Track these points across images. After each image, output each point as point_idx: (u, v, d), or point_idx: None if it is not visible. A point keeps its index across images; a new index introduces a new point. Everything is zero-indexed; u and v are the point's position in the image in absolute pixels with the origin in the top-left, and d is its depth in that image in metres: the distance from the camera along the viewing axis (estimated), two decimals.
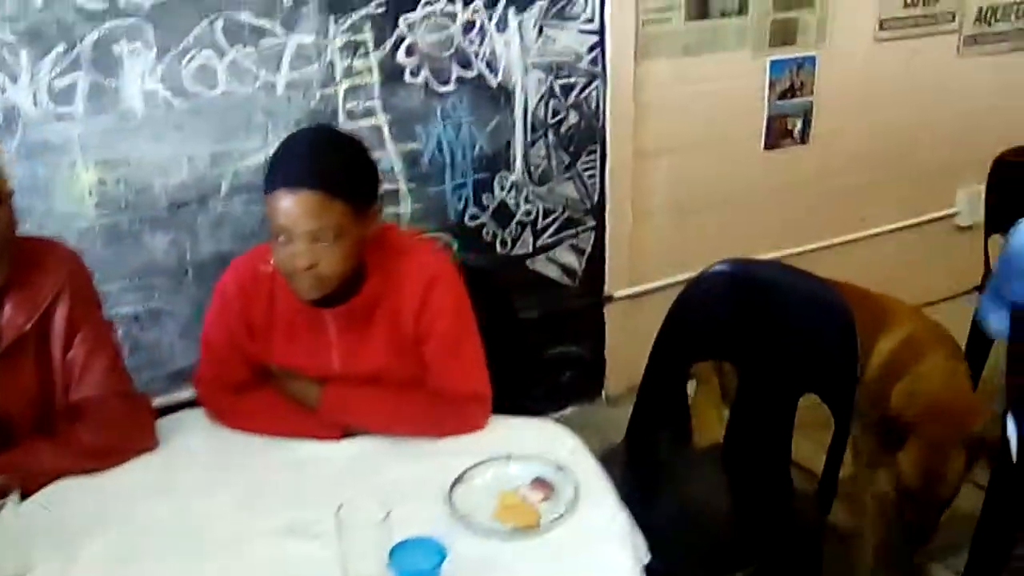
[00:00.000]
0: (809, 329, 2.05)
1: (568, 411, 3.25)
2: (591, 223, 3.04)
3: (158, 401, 2.23)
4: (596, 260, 3.10)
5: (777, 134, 3.35)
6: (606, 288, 3.15)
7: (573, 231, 3.02)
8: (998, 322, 2.09)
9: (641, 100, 3.00)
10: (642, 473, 2.27)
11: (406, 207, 2.71)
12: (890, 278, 3.62)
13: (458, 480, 1.57)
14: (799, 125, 3.39)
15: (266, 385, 1.74)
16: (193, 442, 1.74)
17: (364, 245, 1.60)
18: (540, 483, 1.57)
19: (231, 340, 1.71)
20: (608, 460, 2.23)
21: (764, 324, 2.13)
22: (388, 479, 1.61)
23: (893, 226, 3.66)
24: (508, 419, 1.76)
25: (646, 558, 1.55)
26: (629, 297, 3.17)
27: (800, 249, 3.49)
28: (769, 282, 2.13)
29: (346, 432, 1.70)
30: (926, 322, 2.50)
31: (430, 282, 1.65)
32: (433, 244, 1.77)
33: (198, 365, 1.80)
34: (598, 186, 3.01)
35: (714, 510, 2.17)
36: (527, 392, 2.31)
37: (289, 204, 1.49)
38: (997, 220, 2.80)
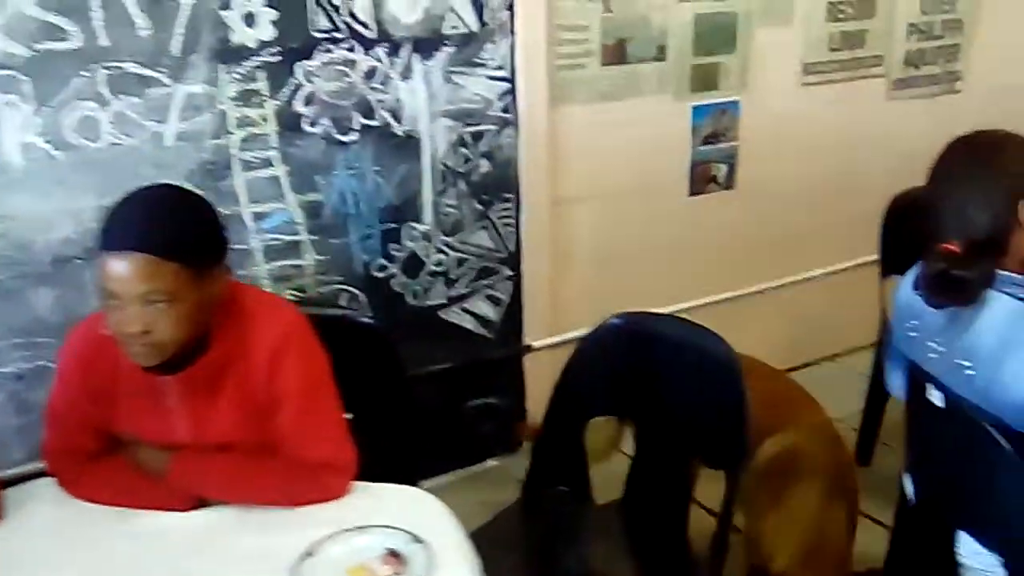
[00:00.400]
0: (699, 387, 2.00)
1: (488, 464, 3.19)
2: (507, 272, 3.00)
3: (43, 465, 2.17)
4: (514, 310, 3.05)
5: (702, 180, 3.34)
6: (525, 338, 3.10)
7: (488, 281, 2.98)
8: (895, 379, 2.05)
9: (558, 146, 2.98)
10: (540, 531, 2.21)
11: (309, 259, 2.65)
12: (820, 322, 3.63)
13: (307, 553, 1.51)
14: (724, 171, 3.37)
15: (116, 454, 1.67)
16: (41, 514, 1.67)
17: (208, 308, 1.54)
18: (392, 555, 1.51)
19: (74, 408, 1.64)
20: (504, 518, 2.20)
21: (657, 381, 2.09)
22: (236, 552, 1.56)
23: (823, 271, 3.63)
24: (371, 486, 1.70)
25: None
26: (550, 347, 3.12)
27: (729, 295, 3.47)
28: (662, 337, 2.09)
29: (199, 502, 1.63)
30: (820, 435, 2.35)
31: (279, 346, 1.59)
32: (286, 304, 1.71)
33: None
34: (514, 235, 2.96)
35: (613, 571, 2.10)
36: (418, 453, 2.26)
37: (116, 267, 1.43)
38: (893, 262, 2.82)
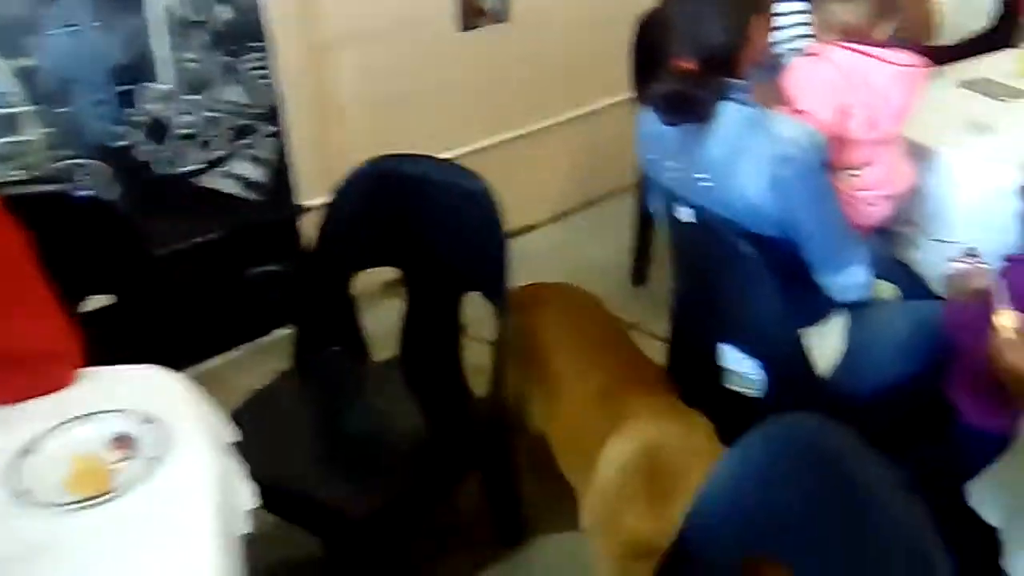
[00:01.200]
0: (459, 224, 1.99)
1: (278, 333, 3.12)
2: (270, 129, 2.86)
3: None
4: (282, 169, 2.93)
5: (471, 13, 3.24)
6: (298, 198, 2.99)
7: (249, 140, 2.83)
8: (653, 202, 2.09)
9: None
10: (317, 394, 2.19)
11: (34, 133, 2.44)
12: (610, 155, 3.65)
13: (24, 451, 1.43)
14: (496, 3, 3.28)
15: None
16: None
17: None
18: (121, 440, 1.44)
19: None
20: (278, 385, 2.17)
21: (417, 223, 2.06)
22: None
23: (609, 101, 3.63)
24: (100, 371, 1.61)
25: (251, 504, 1.48)
26: (327, 205, 3.02)
27: (514, 134, 3.46)
28: (414, 178, 2.05)
29: None
30: (677, 419, 1.85)
31: None
32: None
33: None
34: (271, 87, 2.81)
35: (394, 426, 2.11)
36: (177, 332, 2.19)
37: None
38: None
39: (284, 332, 3.11)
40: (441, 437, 2.00)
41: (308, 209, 3.02)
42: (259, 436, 1.82)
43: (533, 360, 2.07)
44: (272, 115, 2.85)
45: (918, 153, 2.23)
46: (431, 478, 1.94)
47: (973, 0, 2.68)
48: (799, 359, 1.91)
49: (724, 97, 1.73)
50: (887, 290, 2.13)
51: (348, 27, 2.96)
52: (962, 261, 1.76)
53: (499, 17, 3.29)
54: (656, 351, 2.31)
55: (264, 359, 3.01)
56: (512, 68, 3.37)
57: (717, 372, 2.01)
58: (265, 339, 3.12)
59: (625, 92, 3.56)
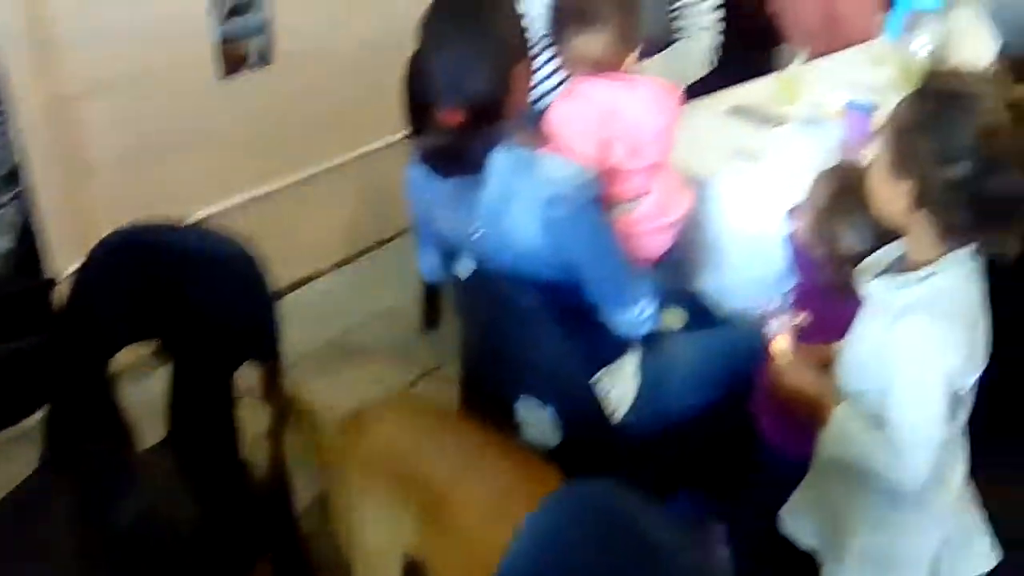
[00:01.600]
0: (218, 291, 1.87)
1: (31, 421, 2.84)
2: (10, 191, 2.61)
3: None
4: (30, 234, 2.68)
5: (232, 60, 3.08)
6: (49, 267, 2.75)
7: None
8: (424, 259, 2.03)
9: (48, 32, 2.58)
10: (75, 492, 1.98)
11: None
12: (389, 197, 3.55)
13: None
14: (260, 45, 3.14)
15: None
16: None
17: None
18: None
19: None
20: (30, 487, 1.95)
21: (174, 294, 1.91)
22: None
23: (385, 141, 3.54)
24: None
25: None
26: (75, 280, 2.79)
27: (285, 182, 3.32)
28: (165, 247, 1.90)
29: None
30: None
31: None
32: None
33: None
34: (9, 146, 2.57)
35: (167, 515, 1.93)
36: None
37: None
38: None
39: (39, 417, 2.86)
40: (220, 525, 1.85)
41: (58, 282, 2.77)
42: (7, 551, 1.63)
43: (399, 481, 1.77)
44: (13, 176, 2.61)
45: (689, 183, 2.26)
46: (213, 574, 1.79)
47: (691, 53, 2.72)
48: (592, 403, 1.88)
49: (494, 146, 1.69)
50: (676, 318, 2.14)
51: (96, 76, 2.74)
52: (772, 319, 1.77)
53: (262, 61, 3.15)
54: (455, 397, 2.24)
55: (28, 444, 2.73)
56: (279, 113, 3.23)
57: (513, 426, 1.96)
58: (28, 422, 2.82)
59: (400, 131, 3.52)
